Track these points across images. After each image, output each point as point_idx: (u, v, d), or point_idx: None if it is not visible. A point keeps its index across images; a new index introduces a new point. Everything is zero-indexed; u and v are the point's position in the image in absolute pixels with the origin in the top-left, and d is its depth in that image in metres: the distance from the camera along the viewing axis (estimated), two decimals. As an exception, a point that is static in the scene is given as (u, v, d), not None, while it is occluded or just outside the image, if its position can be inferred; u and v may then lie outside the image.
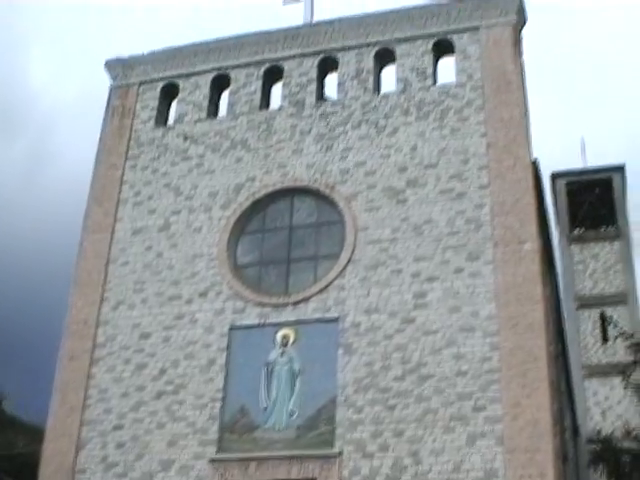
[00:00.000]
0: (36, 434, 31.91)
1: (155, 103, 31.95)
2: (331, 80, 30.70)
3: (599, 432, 37.76)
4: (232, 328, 26.69)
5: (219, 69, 31.77)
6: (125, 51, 56.45)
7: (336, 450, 24.18)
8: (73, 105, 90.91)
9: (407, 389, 24.37)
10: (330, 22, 31.02)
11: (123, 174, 30.60)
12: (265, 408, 25.40)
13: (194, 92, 31.62)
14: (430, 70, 29.21)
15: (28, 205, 78.59)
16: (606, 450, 33.15)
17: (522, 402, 23.31)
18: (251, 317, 26.66)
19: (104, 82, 33.06)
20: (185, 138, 30.63)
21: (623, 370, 22.58)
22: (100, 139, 31.81)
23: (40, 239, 76.35)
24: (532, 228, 25.65)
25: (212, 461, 25.06)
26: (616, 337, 23.39)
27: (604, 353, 47.45)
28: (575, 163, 54.10)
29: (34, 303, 77.32)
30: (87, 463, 26.19)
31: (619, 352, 44.24)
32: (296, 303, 26.37)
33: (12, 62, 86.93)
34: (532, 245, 25.38)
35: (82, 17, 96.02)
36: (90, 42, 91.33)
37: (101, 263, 29.11)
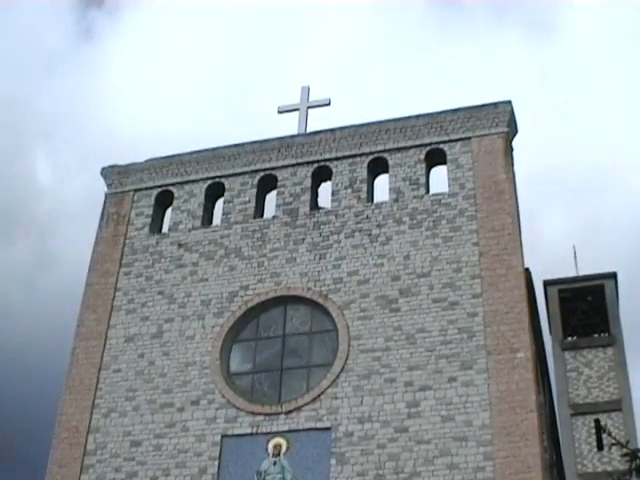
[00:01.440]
0: None
1: (150, 211, 32.12)
2: (325, 189, 31.01)
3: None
4: (224, 437, 26.42)
5: (214, 178, 32.03)
6: (123, 158, 57.11)
7: None
8: (75, 208, 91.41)
9: (401, 499, 24.10)
10: (324, 132, 31.43)
11: (117, 281, 30.60)
12: (256, 519, 25.12)
13: (189, 200, 31.85)
14: (423, 180, 29.49)
15: (26, 310, 78.43)
16: None
17: (517, 512, 23.09)
18: (243, 426, 26.41)
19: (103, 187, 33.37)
20: (179, 246, 30.77)
21: (618, 478, 22.29)
22: (94, 246, 31.87)
23: (38, 346, 76.01)
24: (525, 337, 25.61)
25: None
26: (611, 445, 23.16)
27: (599, 461, 46.91)
28: (567, 271, 54.13)
29: (27, 409, 76.72)
30: None
31: (615, 460, 43.86)
32: (288, 412, 26.12)
33: (16, 165, 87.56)
34: (525, 354, 25.28)
35: (86, 122, 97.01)
36: (93, 147, 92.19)
37: (93, 370, 28.91)
